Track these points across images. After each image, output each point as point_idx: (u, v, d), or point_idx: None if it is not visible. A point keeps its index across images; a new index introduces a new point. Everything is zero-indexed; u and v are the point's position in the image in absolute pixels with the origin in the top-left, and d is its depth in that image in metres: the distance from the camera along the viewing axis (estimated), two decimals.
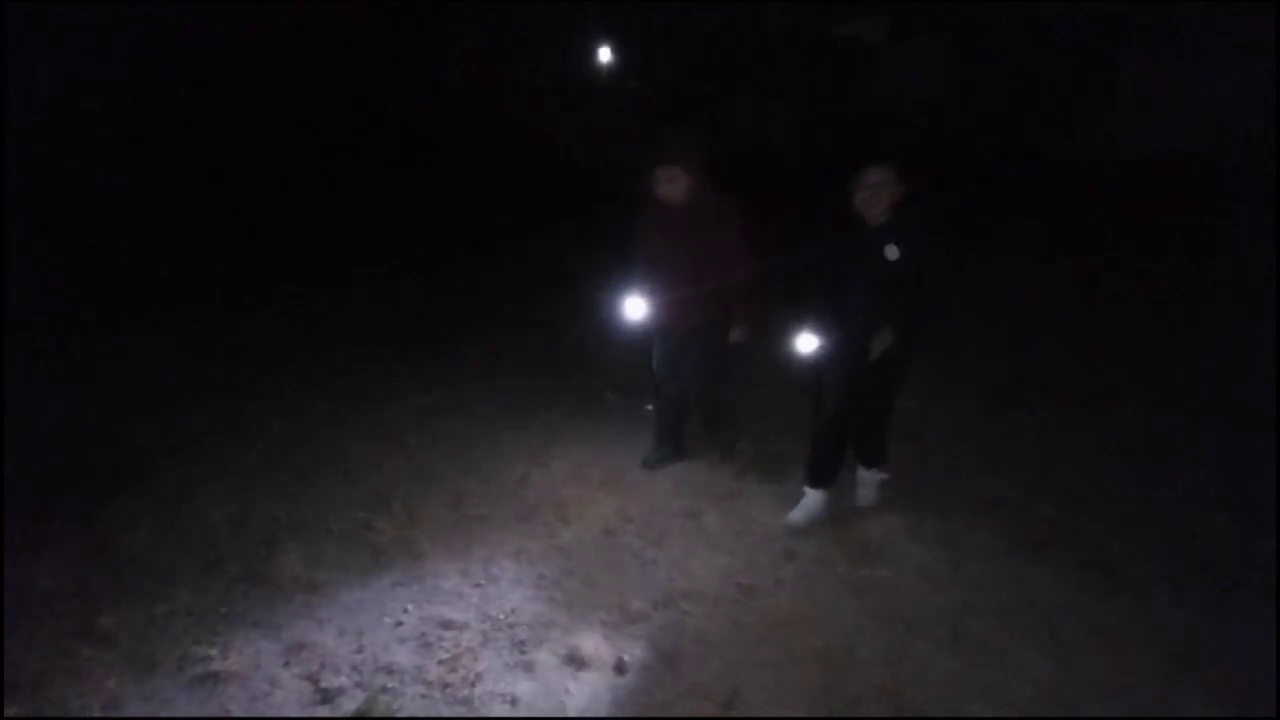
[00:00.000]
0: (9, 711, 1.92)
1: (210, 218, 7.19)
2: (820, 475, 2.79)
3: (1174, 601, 2.42)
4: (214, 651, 2.18)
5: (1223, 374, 3.98)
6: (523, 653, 2.21)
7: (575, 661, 2.18)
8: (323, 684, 2.07)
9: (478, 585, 2.48)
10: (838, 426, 2.76)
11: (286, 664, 2.15)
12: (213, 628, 2.28)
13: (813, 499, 2.81)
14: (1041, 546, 2.70)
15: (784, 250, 2.82)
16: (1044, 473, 3.19)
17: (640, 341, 3.26)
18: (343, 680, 2.09)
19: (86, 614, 2.32)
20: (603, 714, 2.03)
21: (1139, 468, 3.23)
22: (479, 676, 2.12)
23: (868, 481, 2.92)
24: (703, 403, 3.31)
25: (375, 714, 1.97)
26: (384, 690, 2.05)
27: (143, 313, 4.99)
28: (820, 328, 2.63)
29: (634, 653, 2.21)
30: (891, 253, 2.47)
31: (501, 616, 2.35)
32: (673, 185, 2.81)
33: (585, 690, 2.09)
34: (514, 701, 2.05)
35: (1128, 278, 5.68)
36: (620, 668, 2.15)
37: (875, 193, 2.48)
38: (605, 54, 17.39)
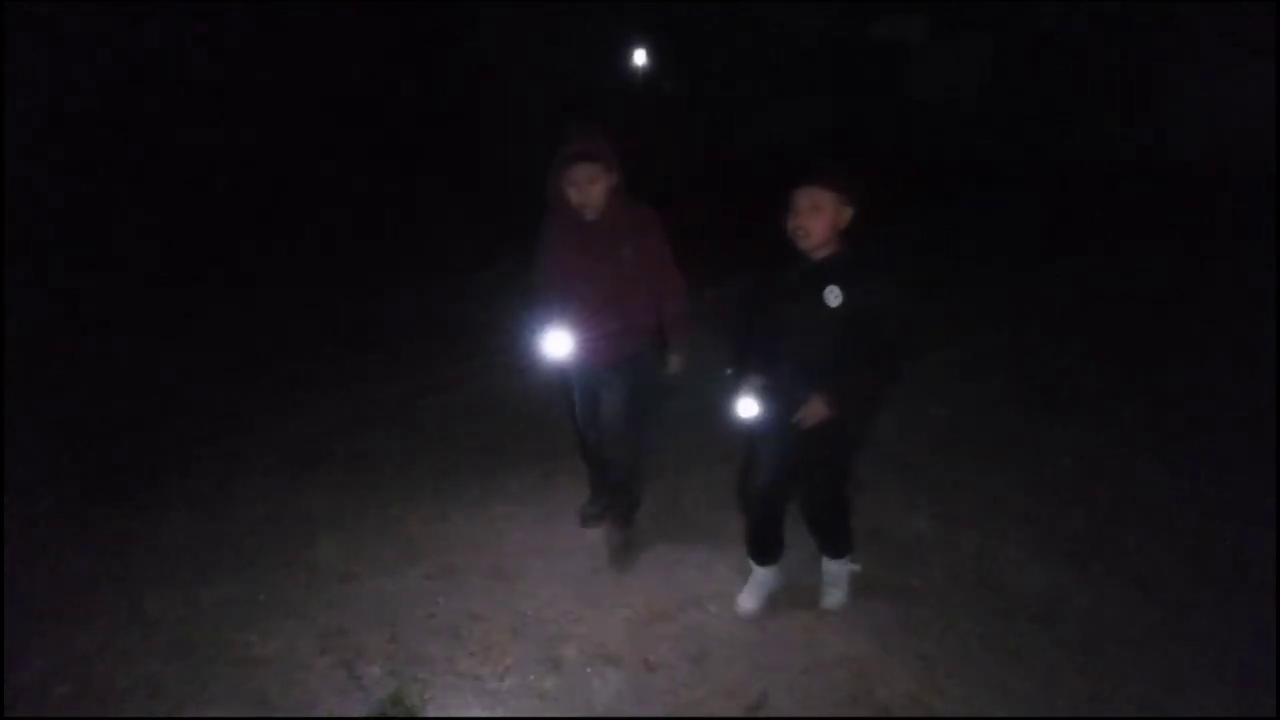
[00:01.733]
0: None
1: (240, 216, 7.39)
2: (761, 553, 2.38)
3: (1214, 617, 2.34)
4: (253, 638, 2.25)
5: (1271, 385, 3.84)
6: (551, 648, 2.23)
7: (602, 658, 2.20)
8: (356, 671, 2.12)
9: (507, 581, 2.51)
10: (770, 505, 2.31)
11: (322, 651, 2.20)
12: (251, 614, 2.35)
13: (763, 577, 2.40)
14: (1077, 558, 2.64)
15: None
16: (1080, 482, 3.11)
17: (558, 382, 2.79)
18: (375, 669, 2.13)
19: (132, 599, 2.40)
20: (629, 711, 2.03)
21: (1179, 478, 3.13)
22: (508, 670, 2.15)
23: (834, 576, 2.40)
24: (612, 451, 2.66)
25: (407, 701, 2.01)
26: (415, 679, 2.09)
27: (176, 308, 5.14)
28: (760, 389, 2.13)
29: (660, 652, 2.22)
30: (832, 297, 1.95)
31: (530, 612, 2.37)
32: (592, 188, 2.27)
33: (611, 688, 2.10)
34: (542, 696, 2.07)
35: (1173, 282, 5.51)
36: (650, 665, 2.16)
37: (809, 219, 1.95)
38: (640, 56, 17.44)
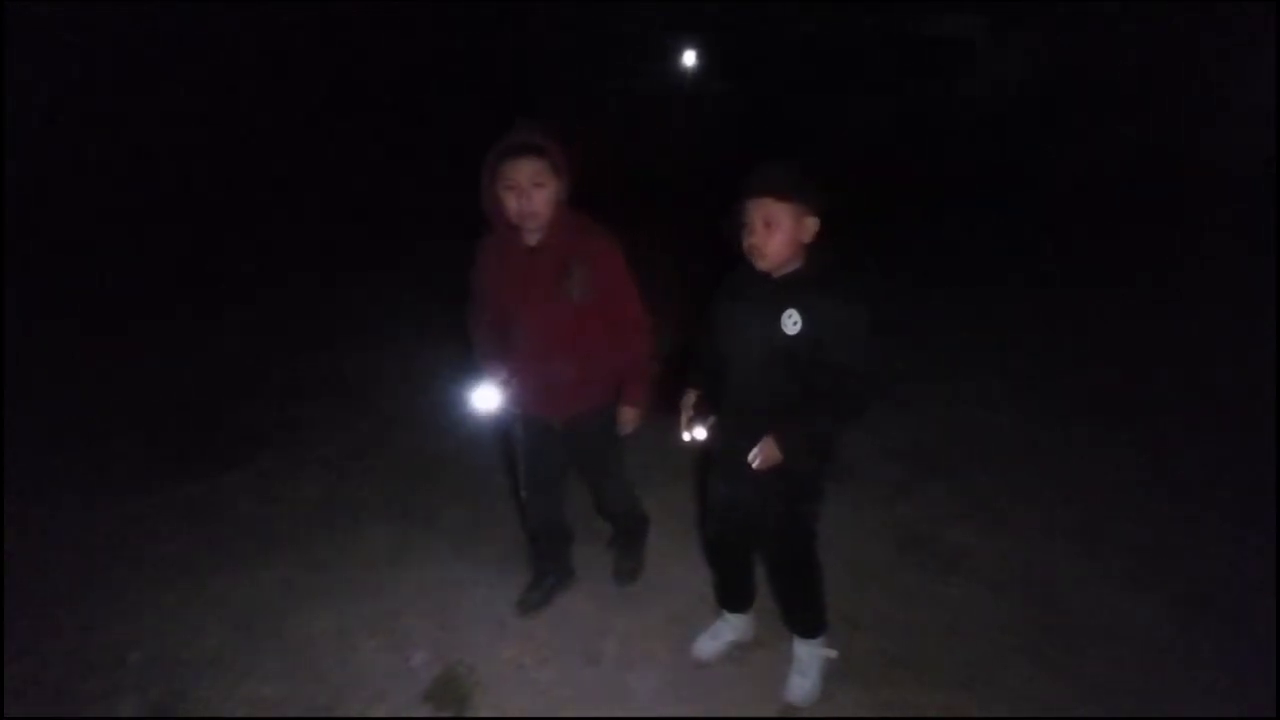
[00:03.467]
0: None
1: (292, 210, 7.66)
2: (727, 600, 2.18)
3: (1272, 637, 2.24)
4: (308, 617, 2.36)
5: None
6: (591, 642, 2.27)
7: (639, 654, 2.23)
8: (405, 654, 2.21)
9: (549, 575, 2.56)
10: (731, 553, 2.11)
11: (372, 633, 2.29)
12: (307, 595, 2.46)
13: (730, 623, 2.20)
14: (1133, 574, 2.55)
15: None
16: (1137, 496, 3.00)
17: (497, 438, 2.49)
18: (424, 653, 2.21)
19: (198, 577, 2.54)
20: (667, 708, 2.06)
21: (1245, 496, 2.98)
22: (548, 660, 2.20)
23: (803, 662, 2.07)
24: (613, 514, 2.49)
25: (454, 685, 2.08)
26: (461, 664, 2.16)
27: (234, 301, 5.37)
28: (703, 420, 1.87)
29: (698, 650, 2.23)
30: (790, 323, 1.66)
31: (570, 606, 2.42)
32: (536, 194, 1.80)
33: (650, 684, 2.13)
34: (580, 687, 2.11)
35: (1235, 292, 5.24)
36: (690, 664, 2.18)
37: (764, 237, 1.66)
38: (690, 57, 17.45)
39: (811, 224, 1.68)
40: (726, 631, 2.20)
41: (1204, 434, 3.47)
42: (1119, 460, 3.29)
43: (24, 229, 6.56)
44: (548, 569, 2.44)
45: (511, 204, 1.81)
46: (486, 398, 2.01)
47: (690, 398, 1.90)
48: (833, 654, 2.10)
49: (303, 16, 10.43)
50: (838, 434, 1.86)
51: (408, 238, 6.64)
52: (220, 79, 9.84)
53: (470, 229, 2.03)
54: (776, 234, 1.66)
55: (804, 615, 2.05)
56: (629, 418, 2.13)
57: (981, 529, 2.80)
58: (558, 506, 2.36)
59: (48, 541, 2.71)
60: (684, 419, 1.85)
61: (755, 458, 1.72)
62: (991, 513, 2.90)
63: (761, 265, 1.70)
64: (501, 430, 2.21)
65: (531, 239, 1.90)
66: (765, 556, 2.07)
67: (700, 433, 1.83)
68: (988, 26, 14.80)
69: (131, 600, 2.43)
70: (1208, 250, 6.36)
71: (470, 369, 2.09)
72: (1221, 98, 10.54)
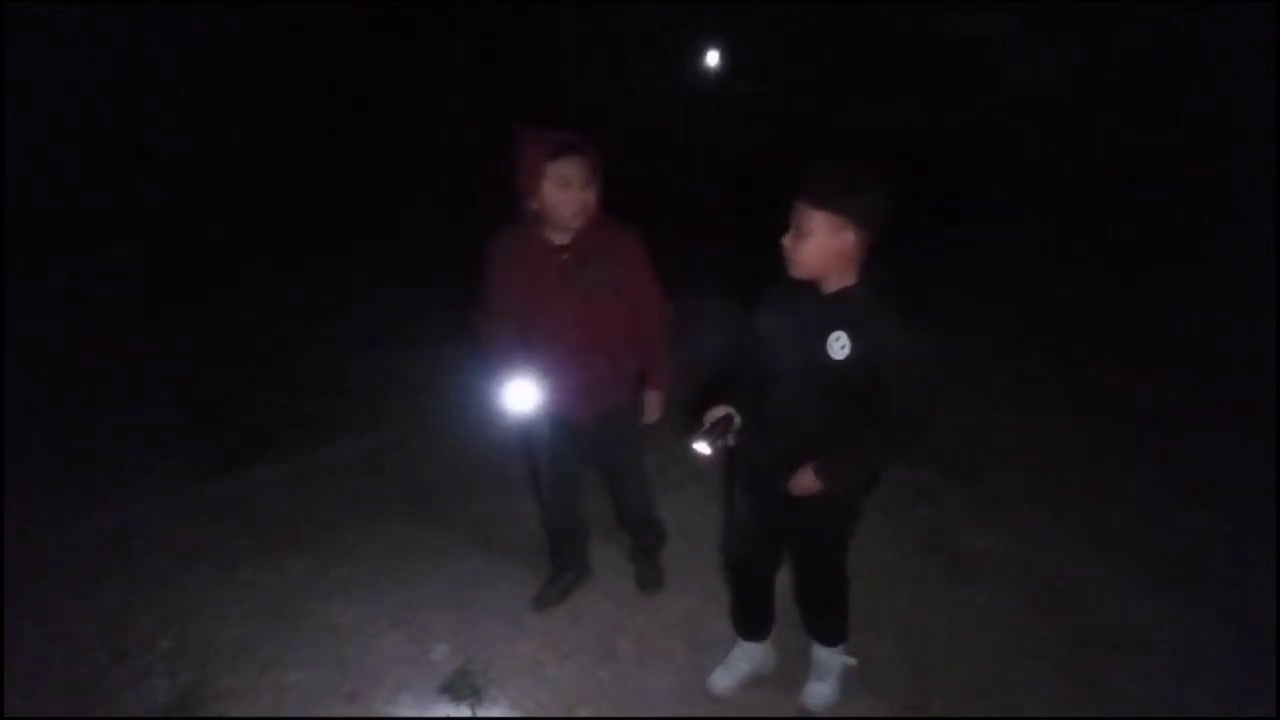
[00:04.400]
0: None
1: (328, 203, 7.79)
2: (744, 626, 2.09)
3: None
4: (333, 607, 2.41)
5: None
6: (607, 639, 2.29)
7: (655, 653, 2.24)
8: (425, 646, 2.24)
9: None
10: (751, 574, 2.02)
11: (393, 625, 2.33)
12: (332, 585, 2.51)
13: (746, 652, 2.10)
14: (1164, 584, 2.50)
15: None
16: (1170, 504, 2.94)
17: (517, 437, 2.47)
18: (443, 645, 2.25)
19: (227, 566, 2.61)
20: (681, 708, 2.07)
21: (1272, 503, 2.90)
22: (565, 657, 2.22)
23: (822, 666, 2.05)
24: (634, 519, 2.46)
25: (471, 679, 2.11)
26: (479, 659, 2.19)
27: (259, 299, 5.48)
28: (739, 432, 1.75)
29: (717, 651, 2.24)
30: (838, 347, 1.52)
31: (587, 603, 2.44)
32: (585, 193, 1.82)
33: (665, 682, 2.14)
34: (594, 684, 2.13)
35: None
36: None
37: (795, 243, 1.54)
38: (713, 56, 17.40)
39: (852, 238, 1.49)
40: (743, 662, 2.12)
41: (1230, 439, 3.39)
42: (1141, 465, 3.22)
43: (37, 225, 6.75)
44: (565, 566, 2.46)
45: (564, 202, 1.81)
46: (521, 397, 1.99)
47: (717, 412, 1.74)
48: (852, 662, 2.07)
49: (306, 16, 10.58)
50: (884, 466, 1.76)
51: (430, 241, 6.71)
52: (234, 74, 9.98)
53: (477, 229, 2.04)
54: (807, 242, 1.52)
55: (828, 624, 2.00)
56: (654, 403, 2.15)
57: (1004, 534, 2.77)
58: (577, 505, 2.38)
59: (82, 531, 2.80)
60: (703, 429, 1.72)
61: (792, 485, 1.67)
62: (1014, 517, 2.86)
63: (792, 271, 1.58)
64: (524, 429, 2.19)
65: (559, 237, 1.89)
66: (794, 566, 1.99)
67: (705, 448, 1.69)
68: (1019, 24, 14.56)
69: (163, 588, 2.50)
70: (1238, 249, 6.19)
71: (491, 369, 2.08)
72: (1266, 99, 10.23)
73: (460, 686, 2.10)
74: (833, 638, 2.02)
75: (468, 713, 2.03)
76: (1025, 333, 4.74)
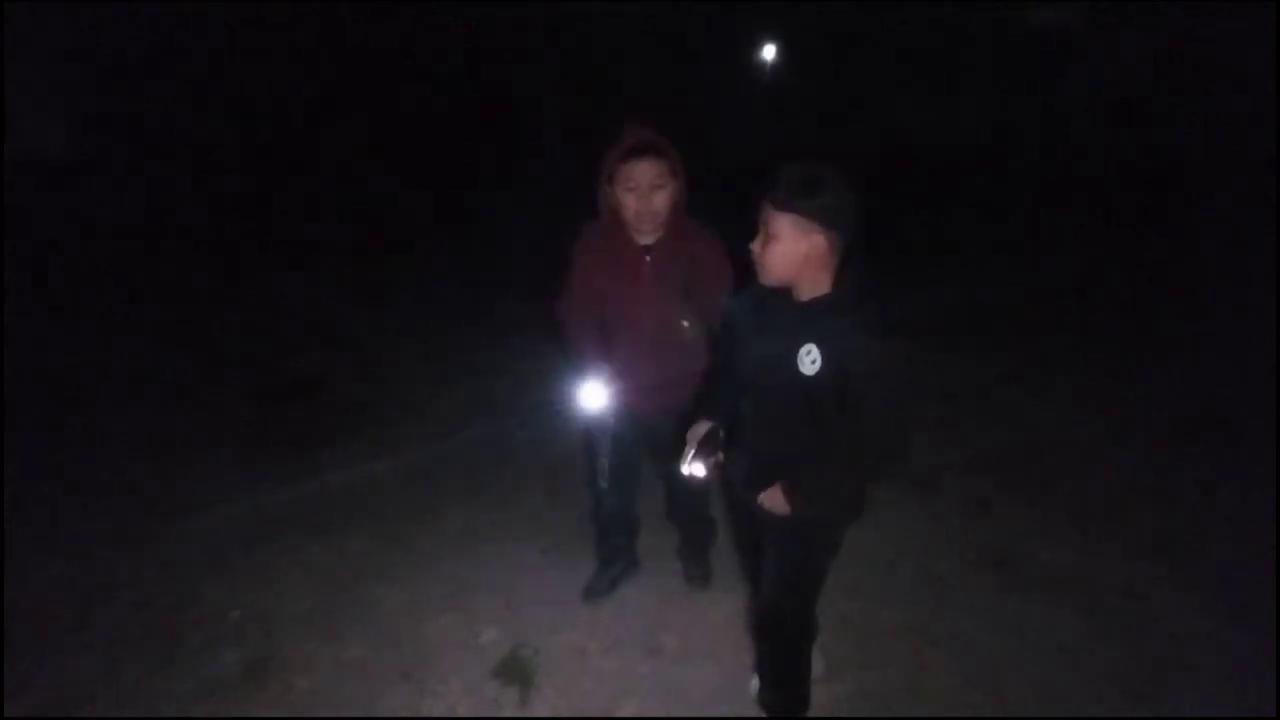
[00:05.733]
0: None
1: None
2: (780, 698, 1.86)
3: None
4: (387, 589, 2.50)
5: None
6: (652, 635, 2.31)
7: (698, 650, 2.24)
8: (475, 630, 2.31)
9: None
10: (784, 625, 1.78)
11: (444, 609, 2.41)
12: (387, 567, 2.61)
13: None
14: (1244, 607, 2.37)
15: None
16: (1252, 523, 2.78)
17: (578, 429, 2.46)
18: (492, 630, 2.30)
19: (290, 545, 2.74)
20: (722, 706, 2.06)
21: None
22: (608, 649, 2.25)
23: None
24: (686, 516, 2.49)
25: (519, 665, 2.17)
26: (526, 645, 2.25)
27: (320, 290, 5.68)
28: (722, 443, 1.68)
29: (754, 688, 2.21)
30: (809, 360, 1.42)
31: (634, 596, 2.47)
32: (656, 195, 1.83)
33: (708, 682, 2.14)
34: (638, 678, 2.15)
35: None
36: (746, 665, 2.19)
37: (761, 248, 1.46)
38: (770, 51, 17.18)
39: (821, 241, 1.39)
40: None
41: None
42: (1221, 482, 3.05)
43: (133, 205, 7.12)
44: (614, 559, 2.50)
45: (631, 205, 1.83)
46: (594, 395, 2.02)
47: (701, 429, 1.67)
48: None
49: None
50: (860, 489, 1.63)
51: (510, 233, 6.82)
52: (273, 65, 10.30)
53: (549, 223, 2.08)
54: (773, 246, 1.43)
55: (777, 686, 1.74)
56: None
57: (1066, 546, 2.66)
58: (633, 500, 2.43)
59: (161, 507, 2.97)
60: (689, 451, 1.65)
61: (762, 501, 1.60)
62: (1077, 529, 2.75)
63: (762, 279, 1.49)
64: (590, 421, 2.18)
65: (645, 239, 1.92)
66: (761, 595, 1.78)
67: (700, 469, 1.64)
68: (1084, 15, 13.90)
69: (233, 562, 2.64)
70: None
71: (570, 361, 2.11)
72: None
73: (510, 671, 2.16)
74: (775, 699, 1.74)
75: (516, 697, 2.08)
76: (1089, 336, 4.55)
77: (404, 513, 2.92)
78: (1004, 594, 2.45)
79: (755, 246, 1.47)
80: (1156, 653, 2.21)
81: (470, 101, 11.63)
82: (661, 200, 1.84)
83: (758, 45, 17.53)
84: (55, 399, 3.85)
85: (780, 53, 17.32)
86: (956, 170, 9.64)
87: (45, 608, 2.41)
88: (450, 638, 2.29)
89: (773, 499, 1.57)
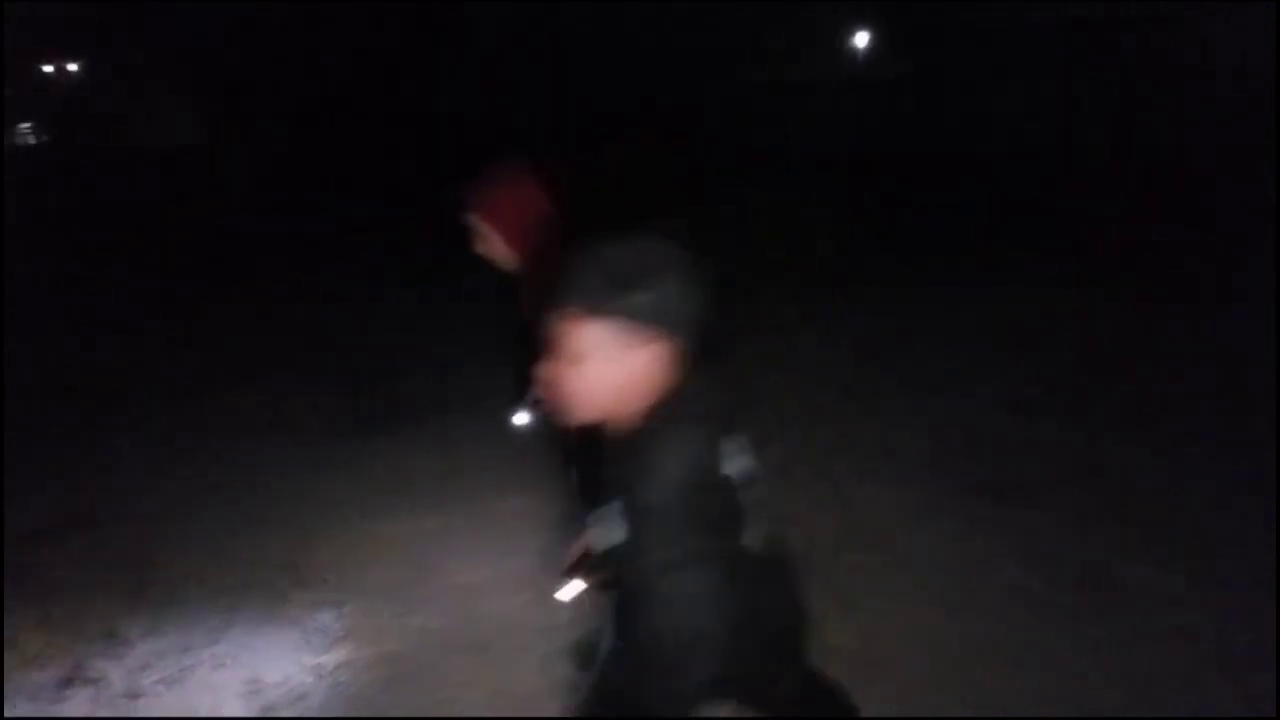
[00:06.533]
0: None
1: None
2: None
3: None
4: (466, 564, 2.63)
5: None
6: None
7: None
8: (549, 610, 2.34)
9: None
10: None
11: (518, 589, 2.49)
12: (463, 544, 2.74)
13: None
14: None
15: None
16: None
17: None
18: (565, 613, 2.37)
19: (370, 518, 2.91)
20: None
21: None
22: None
23: None
24: None
25: (591, 649, 2.21)
26: (596, 629, 2.30)
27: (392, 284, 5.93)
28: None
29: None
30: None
31: None
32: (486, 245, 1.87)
33: None
34: None
35: None
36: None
37: (578, 376, 1.00)
38: (862, 38, 16.65)
39: (649, 350, 0.98)
40: None
41: None
42: None
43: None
44: None
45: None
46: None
47: (576, 549, 1.39)
48: None
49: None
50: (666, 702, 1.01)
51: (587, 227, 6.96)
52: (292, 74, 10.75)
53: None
54: (582, 369, 1.00)
55: None
56: None
57: (1173, 571, 2.48)
58: None
59: (268, 479, 3.23)
60: (567, 568, 1.39)
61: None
62: (1185, 553, 2.56)
63: (566, 418, 1.07)
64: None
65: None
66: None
67: (569, 593, 1.48)
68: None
69: (329, 531, 2.83)
70: None
71: None
72: None
73: (584, 654, 2.21)
74: None
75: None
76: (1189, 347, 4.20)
77: (476, 495, 3.05)
78: (1103, 618, 2.32)
79: (546, 373, 1.03)
80: (1262, 688, 2.03)
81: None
82: (487, 247, 1.82)
83: (849, 33, 16.99)
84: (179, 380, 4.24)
85: (874, 40, 16.70)
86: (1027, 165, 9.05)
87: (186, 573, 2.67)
88: (528, 616, 2.36)
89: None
